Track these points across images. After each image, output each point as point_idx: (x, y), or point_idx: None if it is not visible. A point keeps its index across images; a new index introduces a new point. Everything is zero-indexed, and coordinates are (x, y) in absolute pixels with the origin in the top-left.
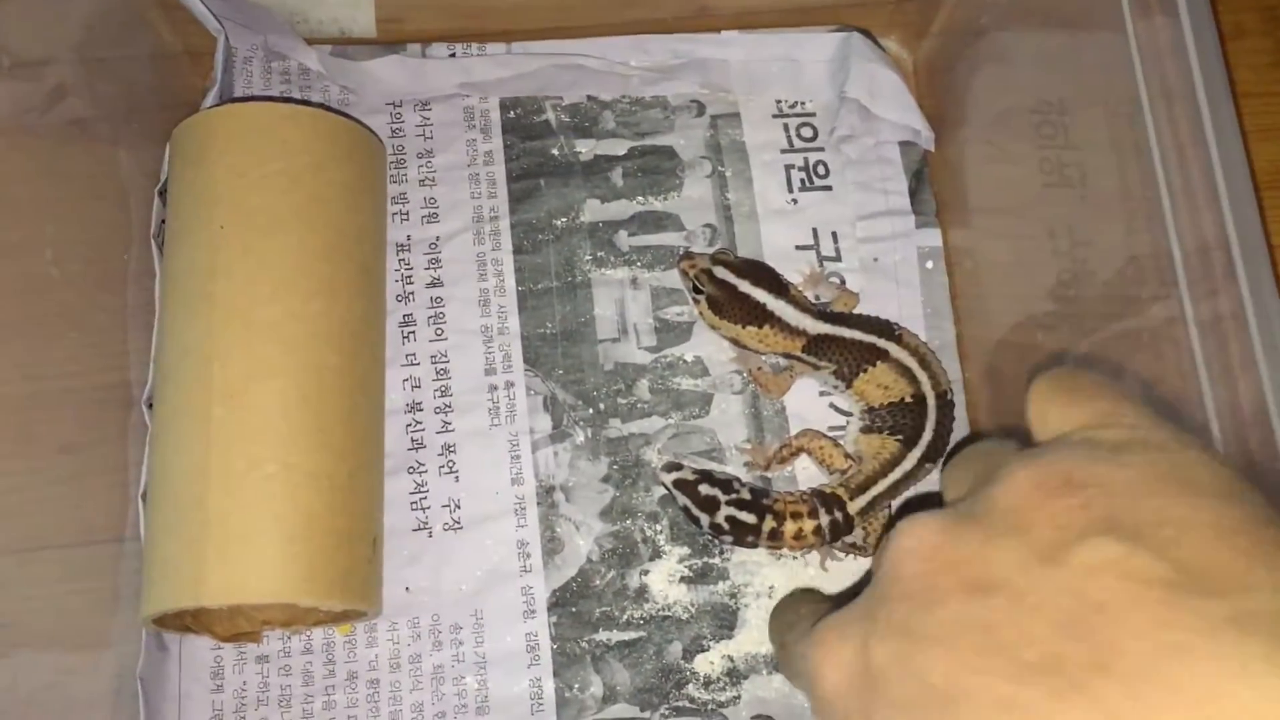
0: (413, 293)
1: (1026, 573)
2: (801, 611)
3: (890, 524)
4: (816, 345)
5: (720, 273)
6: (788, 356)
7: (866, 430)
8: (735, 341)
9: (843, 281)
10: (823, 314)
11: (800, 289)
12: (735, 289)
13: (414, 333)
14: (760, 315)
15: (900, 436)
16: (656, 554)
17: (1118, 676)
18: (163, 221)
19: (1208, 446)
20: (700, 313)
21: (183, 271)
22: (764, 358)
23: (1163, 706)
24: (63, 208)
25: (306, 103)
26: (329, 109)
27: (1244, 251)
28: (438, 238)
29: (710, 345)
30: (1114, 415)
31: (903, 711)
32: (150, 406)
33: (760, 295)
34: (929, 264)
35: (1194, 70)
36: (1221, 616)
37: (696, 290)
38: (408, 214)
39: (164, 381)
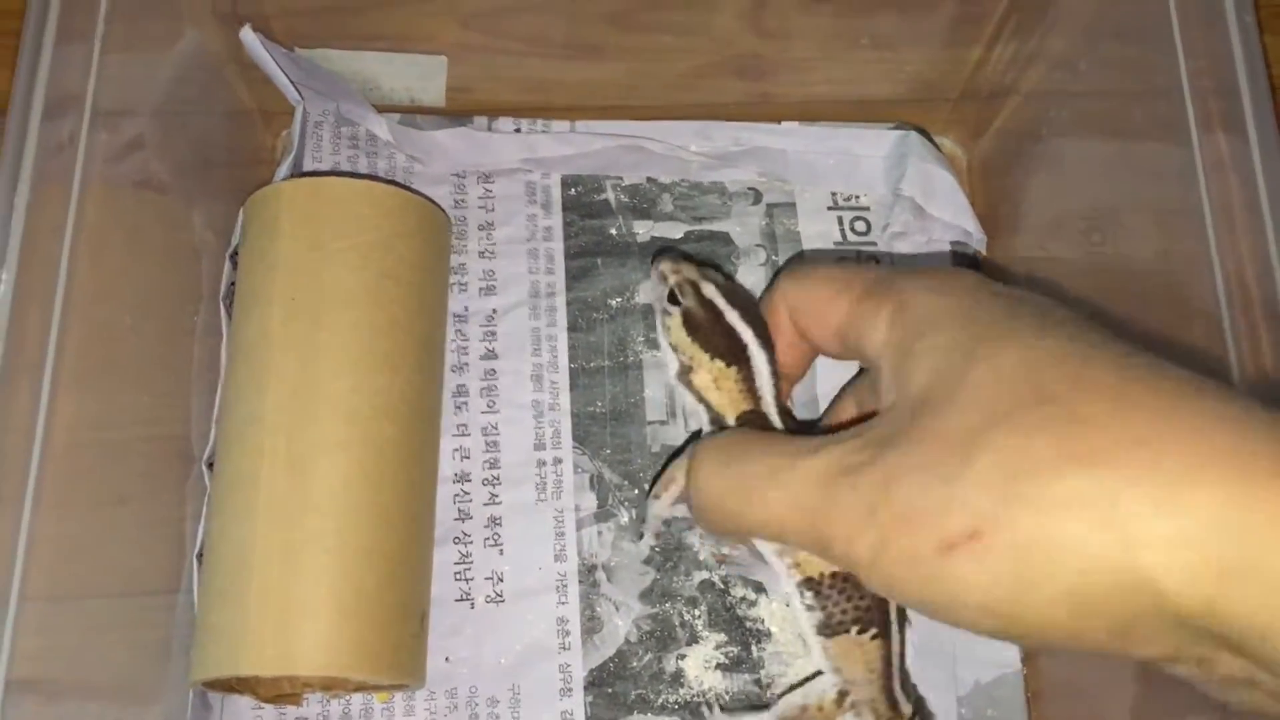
0: (467, 364)
1: None
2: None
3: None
4: (752, 418)
5: (709, 291)
6: (718, 418)
7: (829, 633)
8: (687, 371)
9: None
10: (785, 408)
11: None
12: (722, 316)
13: (466, 403)
14: (738, 356)
15: (872, 629)
16: (694, 639)
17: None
18: (232, 284)
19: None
20: (667, 326)
21: (252, 340)
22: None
23: None
24: (138, 261)
25: (376, 176)
26: (400, 185)
27: None
28: (495, 310)
29: None
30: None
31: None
32: (210, 467)
33: (747, 335)
34: None
35: (1260, 187)
36: None
37: (673, 300)
38: (466, 285)
39: (226, 446)
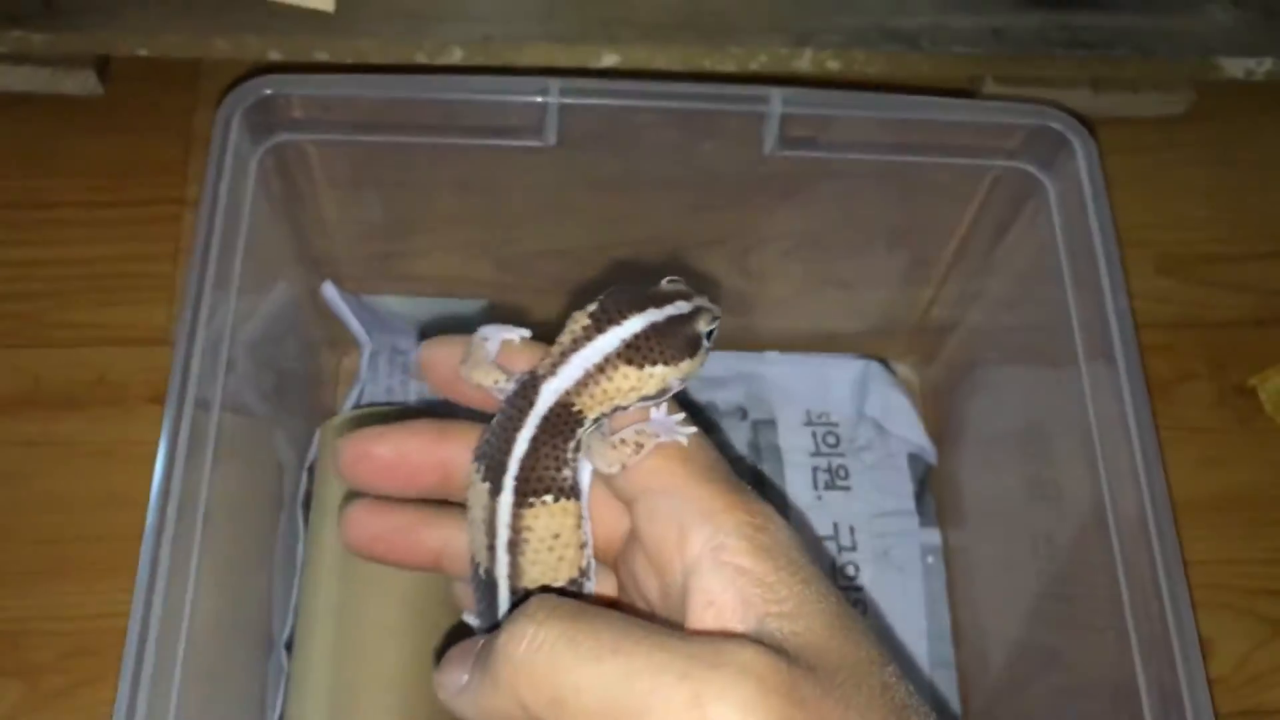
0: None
1: None
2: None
3: None
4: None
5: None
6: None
7: None
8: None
9: (857, 569)
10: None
11: None
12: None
13: None
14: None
15: None
16: None
17: None
18: (309, 493)
19: None
20: (685, 374)
21: (328, 541)
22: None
23: None
24: (237, 473)
25: (436, 401)
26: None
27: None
28: None
29: None
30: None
31: None
32: (288, 649)
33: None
34: (930, 559)
35: (1127, 408)
36: None
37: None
38: None
39: (304, 632)
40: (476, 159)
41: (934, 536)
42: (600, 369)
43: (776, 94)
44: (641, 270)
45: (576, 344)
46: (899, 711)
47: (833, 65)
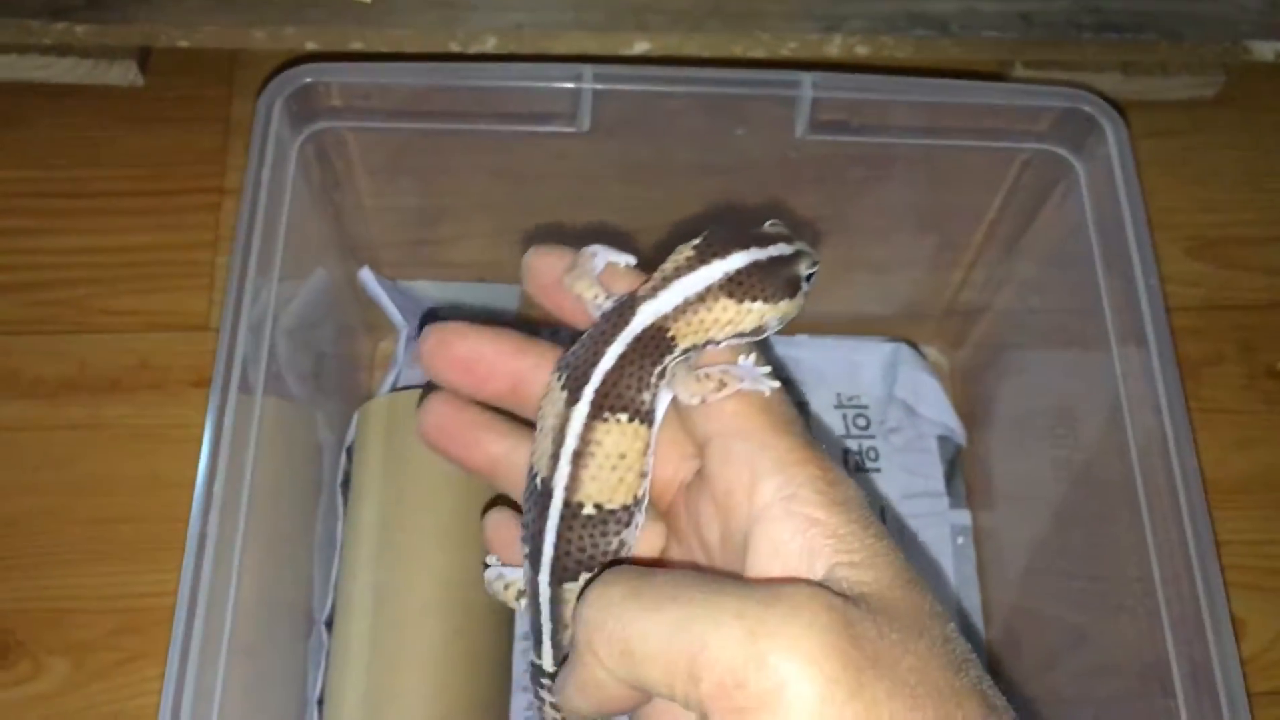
0: None
1: None
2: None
3: None
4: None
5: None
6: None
7: None
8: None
9: None
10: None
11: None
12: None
13: None
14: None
15: None
16: None
17: None
18: (347, 474)
19: None
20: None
21: (366, 521)
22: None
23: None
24: (278, 454)
25: None
26: None
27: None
28: None
29: None
30: None
31: None
32: (328, 626)
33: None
34: (960, 540)
35: (1159, 389)
36: None
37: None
38: None
39: (343, 610)
40: (510, 146)
41: (964, 518)
42: (701, 298)
43: (808, 78)
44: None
45: (679, 272)
46: (958, 665)
47: (862, 50)
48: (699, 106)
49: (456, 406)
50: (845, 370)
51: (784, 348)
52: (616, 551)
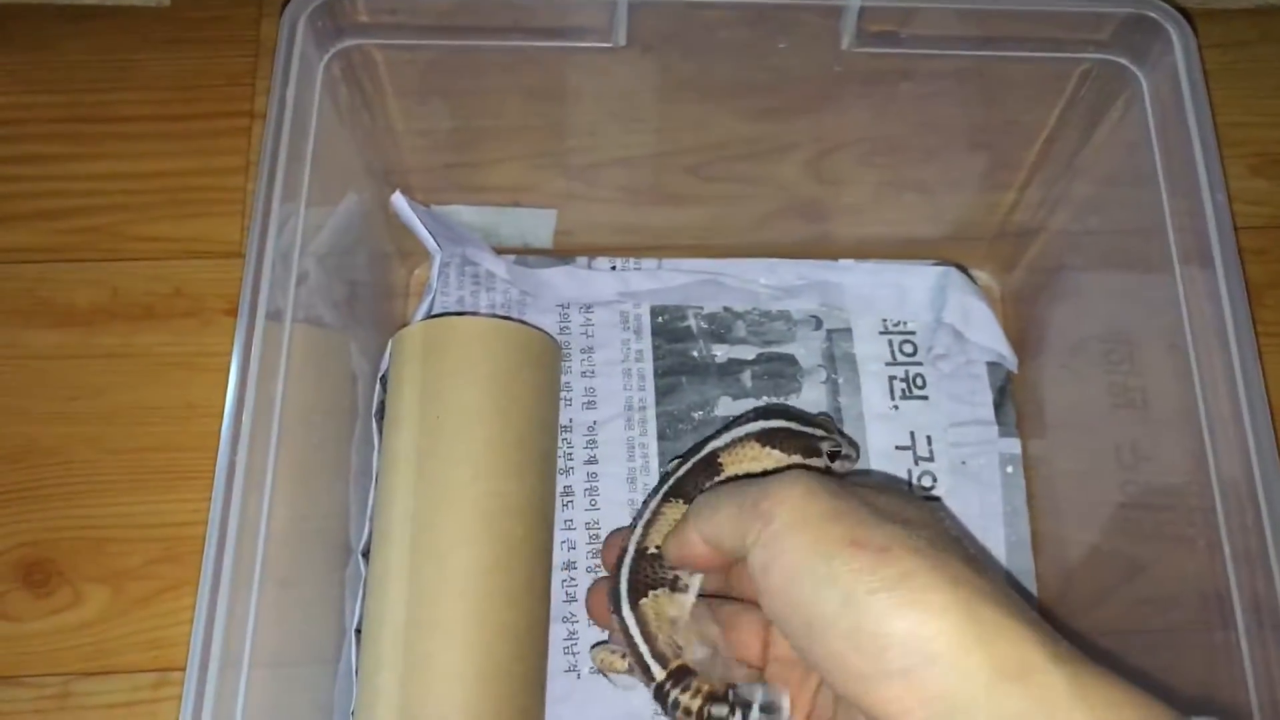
0: (572, 468)
1: None
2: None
3: None
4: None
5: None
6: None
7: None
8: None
9: (934, 480)
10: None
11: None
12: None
13: (572, 502)
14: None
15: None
16: None
17: None
18: (382, 403)
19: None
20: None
21: (401, 451)
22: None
23: None
24: (311, 383)
25: (496, 311)
26: (518, 320)
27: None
28: (595, 422)
29: None
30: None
31: None
32: (365, 556)
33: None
34: (1009, 469)
35: (1225, 313)
36: None
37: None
38: (570, 400)
39: (380, 540)
40: (545, 64)
41: (1014, 446)
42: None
43: None
44: None
45: None
46: (970, 561)
47: None
48: (740, 18)
49: None
50: (892, 295)
51: (826, 272)
52: None
